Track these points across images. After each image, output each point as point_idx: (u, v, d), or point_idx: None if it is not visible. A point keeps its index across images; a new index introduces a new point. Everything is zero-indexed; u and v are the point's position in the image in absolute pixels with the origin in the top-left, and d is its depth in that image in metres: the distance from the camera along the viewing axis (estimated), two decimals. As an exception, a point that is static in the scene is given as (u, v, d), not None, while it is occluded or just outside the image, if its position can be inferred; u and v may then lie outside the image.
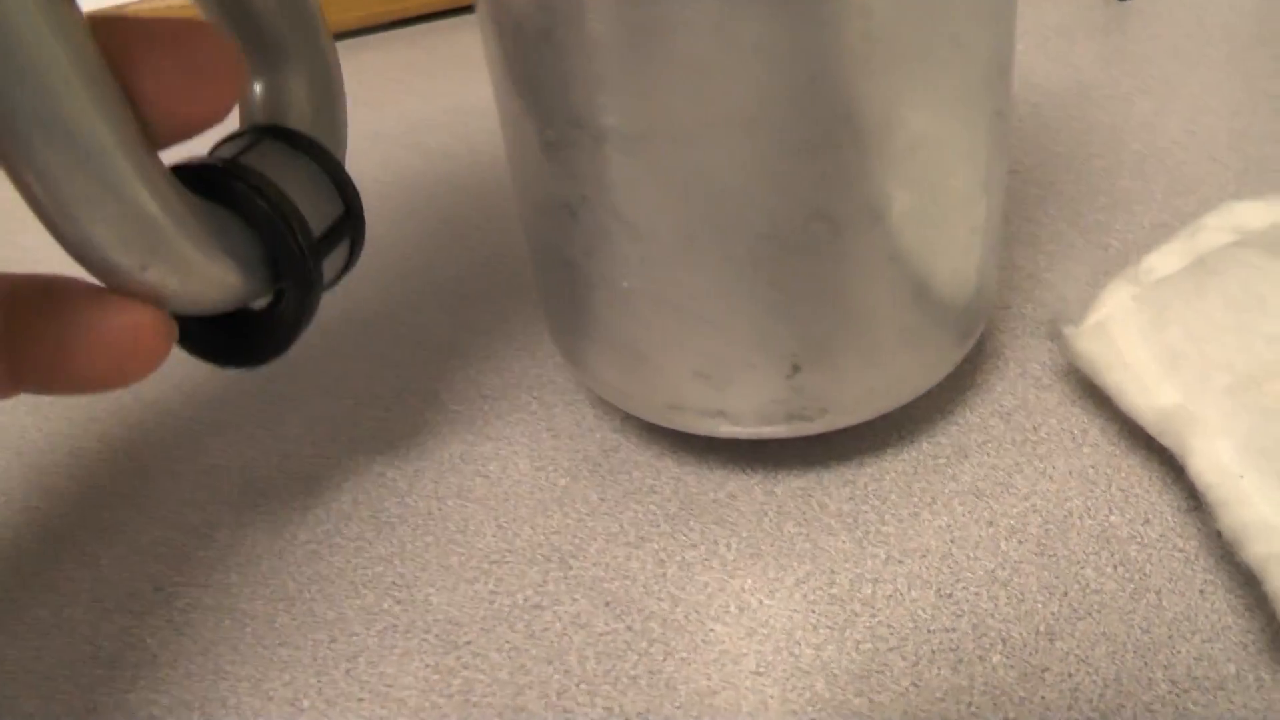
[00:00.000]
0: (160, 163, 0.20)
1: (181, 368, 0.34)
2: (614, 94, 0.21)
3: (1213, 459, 0.25)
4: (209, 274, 0.21)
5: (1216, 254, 0.28)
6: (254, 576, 0.27)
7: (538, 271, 0.27)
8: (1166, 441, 0.26)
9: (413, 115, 0.48)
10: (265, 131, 0.24)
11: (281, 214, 0.22)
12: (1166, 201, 0.35)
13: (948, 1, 0.21)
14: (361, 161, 0.43)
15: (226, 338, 0.24)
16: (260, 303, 0.24)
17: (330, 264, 0.25)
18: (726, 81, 0.20)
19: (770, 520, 0.26)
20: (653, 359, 0.25)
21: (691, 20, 0.19)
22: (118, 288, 0.19)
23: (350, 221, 0.25)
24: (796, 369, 0.24)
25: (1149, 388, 0.27)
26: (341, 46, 0.27)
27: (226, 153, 0.23)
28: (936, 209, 0.23)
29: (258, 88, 0.25)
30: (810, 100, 0.20)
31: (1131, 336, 0.28)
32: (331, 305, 0.36)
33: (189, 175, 0.22)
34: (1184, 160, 0.37)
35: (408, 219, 0.40)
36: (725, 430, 0.25)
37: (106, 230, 0.18)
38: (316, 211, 0.24)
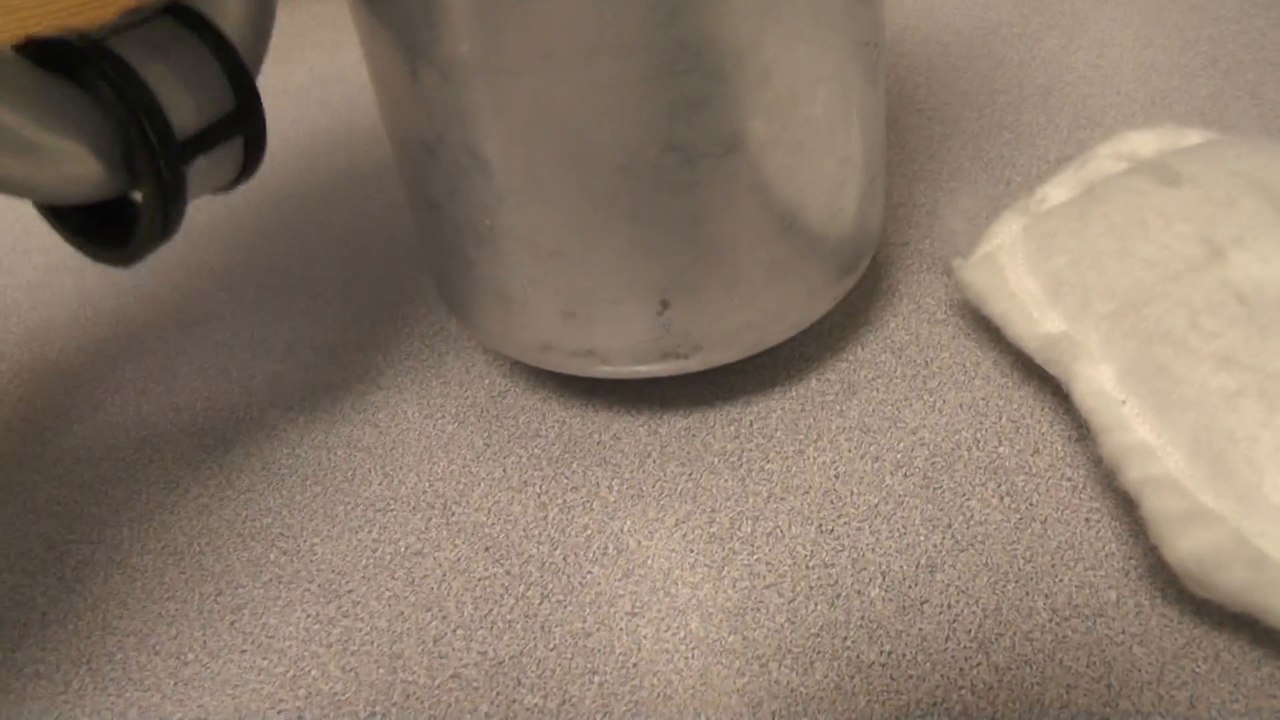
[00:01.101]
0: None
1: (85, 330, 0.33)
2: (455, 26, 0.19)
3: (1095, 385, 0.23)
4: (46, 150, 0.18)
5: (1105, 182, 0.27)
6: (145, 531, 0.26)
7: (414, 216, 0.25)
8: (1052, 369, 0.24)
9: (320, 70, 0.47)
10: (167, 10, 0.21)
11: (129, 102, 0.19)
12: (1071, 134, 0.34)
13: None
14: (269, 118, 0.42)
15: (107, 230, 0.22)
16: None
17: (214, 163, 0.21)
18: (565, 9, 0.18)
19: (653, 461, 0.25)
20: (519, 299, 0.23)
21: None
22: None
23: (244, 119, 0.21)
24: (666, 305, 0.22)
25: (1034, 316, 0.25)
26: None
27: (106, 31, 0.20)
28: (795, 138, 0.21)
29: None
30: (653, 27, 0.19)
31: (1018, 266, 0.26)
32: (227, 256, 0.34)
33: (39, 51, 0.19)
34: (1089, 94, 0.35)
35: (309, 171, 0.39)
36: (599, 370, 0.24)
37: None
38: (196, 104, 0.20)
